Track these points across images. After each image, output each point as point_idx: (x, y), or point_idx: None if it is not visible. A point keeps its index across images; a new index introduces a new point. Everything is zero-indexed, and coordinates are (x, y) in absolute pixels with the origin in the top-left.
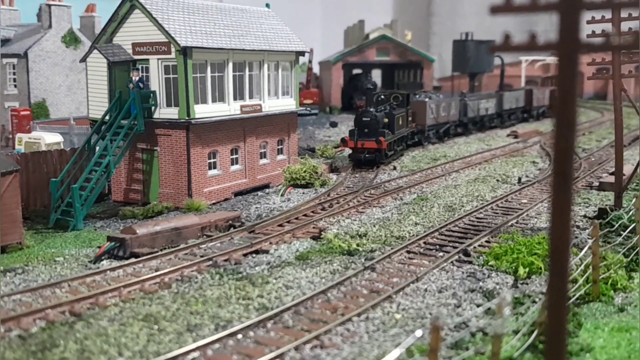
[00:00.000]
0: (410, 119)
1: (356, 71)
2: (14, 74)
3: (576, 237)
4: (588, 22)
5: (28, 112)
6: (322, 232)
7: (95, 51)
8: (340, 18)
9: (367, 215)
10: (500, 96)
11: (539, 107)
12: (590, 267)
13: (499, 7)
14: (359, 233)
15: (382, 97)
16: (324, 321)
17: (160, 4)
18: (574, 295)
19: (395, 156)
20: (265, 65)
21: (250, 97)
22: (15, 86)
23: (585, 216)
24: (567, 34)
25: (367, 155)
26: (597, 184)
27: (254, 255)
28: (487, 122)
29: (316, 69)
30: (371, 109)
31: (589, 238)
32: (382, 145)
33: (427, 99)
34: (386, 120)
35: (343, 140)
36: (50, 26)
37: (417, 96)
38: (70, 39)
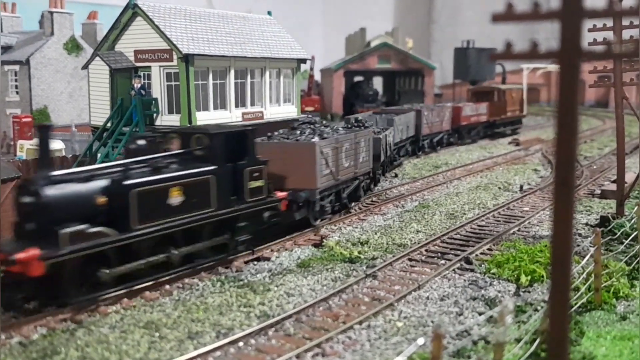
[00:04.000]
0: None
1: (357, 78)
2: (16, 80)
3: (578, 245)
4: (589, 30)
5: (30, 119)
6: (324, 240)
7: (97, 58)
8: (341, 26)
9: (369, 223)
10: (390, 120)
11: (433, 134)
12: (592, 275)
13: (500, 16)
14: (361, 240)
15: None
16: (325, 329)
17: (162, 12)
18: (576, 304)
19: None
20: (267, 73)
21: (252, 104)
22: (17, 93)
23: (587, 224)
24: (569, 42)
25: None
26: (599, 191)
27: (255, 262)
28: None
29: (317, 77)
30: (44, 179)
31: (591, 246)
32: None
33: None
34: (102, 200)
35: None
36: (52, 33)
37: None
38: (72, 46)
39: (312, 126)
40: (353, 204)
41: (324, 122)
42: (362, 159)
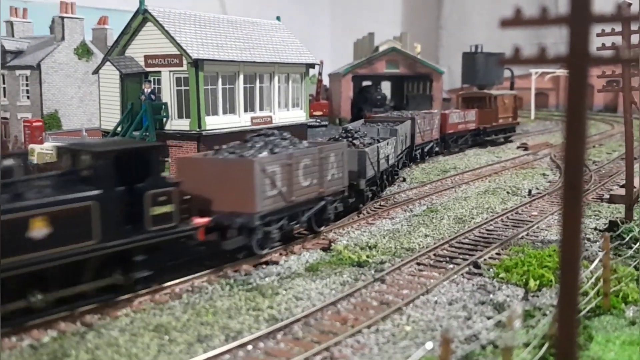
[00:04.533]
0: None
1: (366, 83)
2: (27, 85)
3: (587, 250)
4: (598, 35)
5: (40, 123)
6: (332, 244)
7: (108, 63)
8: (349, 30)
9: (377, 227)
10: (394, 130)
11: (424, 144)
12: (601, 279)
13: (508, 21)
14: (369, 244)
15: None
16: (333, 333)
17: (172, 17)
18: (584, 308)
19: None
20: (276, 78)
21: (261, 108)
22: (28, 97)
23: (595, 229)
24: (577, 47)
25: None
26: (608, 196)
27: (263, 266)
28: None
29: (326, 81)
30: None
31: (599, 251)
32: None
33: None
34: None
35: None
36: (63, 38)
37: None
38: (83, 51)
39: (269, 138)
40: (322, 227)
41: (285, 134)
42: (333, 176)
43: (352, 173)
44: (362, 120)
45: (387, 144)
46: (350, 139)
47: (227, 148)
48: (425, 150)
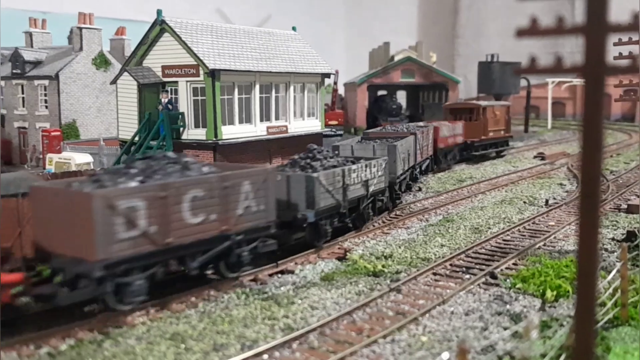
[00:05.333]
0: None
1: (381, 92)
2: (45, 95)
3: (604, 260)
4: (614, 44)
5: (58, 133)
6: (347, 253)
7: (126, 73)
8: (365, 40)
9: (393, 237)
10: (392, 147)
11: (422, 161)
12: (619, 290)
13: (525, 31)
14: (385, 254)
15: None
16: (349, 342)
17: (190, 28)
18: (602, 319)
19: None
20: (292, 87)
21: (277, 118)
22: (46, 107)
23: (613, 239)
24: (594, 56)
25: None
26: (625, 206)
27: (279, 275)
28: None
29: (341, 90)
30: None
31: (617, 261)
32: None
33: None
34: None
35: None
36: (81, 48)
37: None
38: (101, 61)
39: (155, 162)
40: (235, 274)
41: (183, 157)
42: (247, 209)
43: (292, 204)
44: (358, 138)
45: (367, 165)
46: (309, 160)
47: (98, 175)
48: (423, 168)
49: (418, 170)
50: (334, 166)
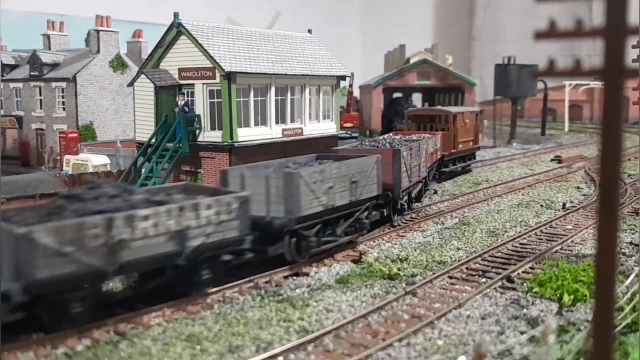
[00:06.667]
0: None
1: (396, 95)
2: (63, 97)
3: (622, 264)
4: (633, 47)
5: (76, 135)
6: (363, 256)
7: (142, 76)
8: (380, 42)
9: (408, 239)
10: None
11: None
12: (637, 294)
13: (543, 33)
14: (400, 257)
15: None
16: (364, 346)
17: (206, 31)
18: (620, 324)
19: None
20: (307, 90)
21: (292, 120)
22: (63, 109)
23: (631, 243)
24: (612, 59)
25: None
26: None
27: (294, 277)
28: None
29: (356, 93)
30: None
31: (635, 265)
32: None
33: None
34: None
35: None
36: (98, 51)
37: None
38: (118, 64)
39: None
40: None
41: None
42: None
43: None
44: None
45: (181, 209)
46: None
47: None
48: (413, 195)
49: (405, 198)
50: (100, 212)
